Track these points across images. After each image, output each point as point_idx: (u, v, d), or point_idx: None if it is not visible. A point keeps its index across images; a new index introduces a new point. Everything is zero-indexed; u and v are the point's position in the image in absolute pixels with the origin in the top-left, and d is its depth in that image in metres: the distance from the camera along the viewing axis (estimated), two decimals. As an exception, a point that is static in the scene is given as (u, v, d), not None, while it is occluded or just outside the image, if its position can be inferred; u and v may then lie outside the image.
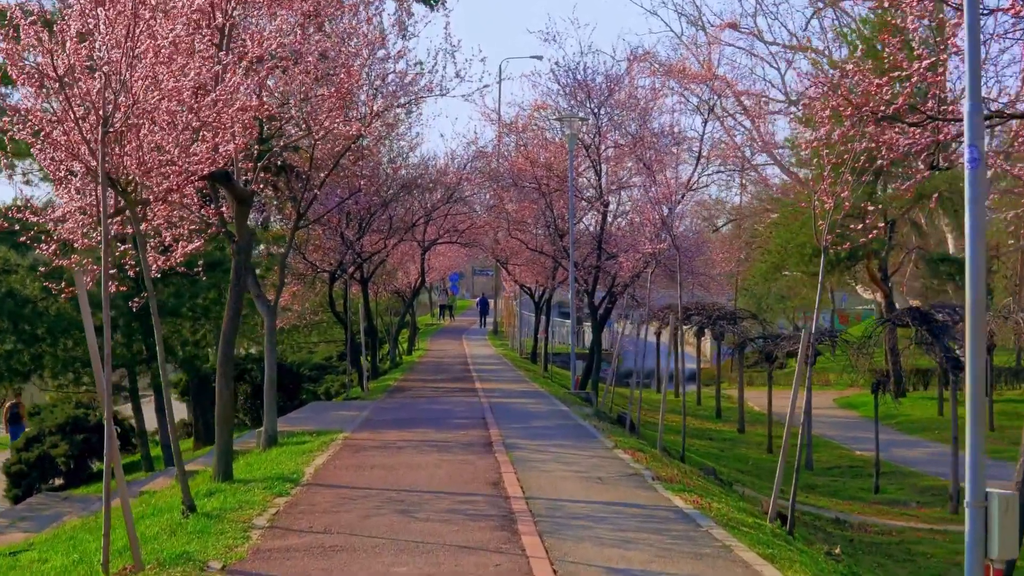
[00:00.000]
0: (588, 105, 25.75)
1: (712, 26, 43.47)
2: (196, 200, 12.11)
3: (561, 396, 22.54)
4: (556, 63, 42.45)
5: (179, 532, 8.51)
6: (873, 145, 9.45)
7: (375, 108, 14.15)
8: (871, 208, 12.43)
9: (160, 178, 10.15)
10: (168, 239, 11.23)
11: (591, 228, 27.77)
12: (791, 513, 10.44)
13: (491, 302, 56.41)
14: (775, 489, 10.12)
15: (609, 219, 26.80)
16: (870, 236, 10.64)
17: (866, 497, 19.81)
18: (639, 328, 22.63)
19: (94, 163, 7.85)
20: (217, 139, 10.41)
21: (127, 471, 29.17)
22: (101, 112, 7.55)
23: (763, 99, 44.67)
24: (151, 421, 26.56)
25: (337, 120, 11.08)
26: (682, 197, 23.81)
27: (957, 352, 20.42)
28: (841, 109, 9.36)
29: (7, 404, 29.25)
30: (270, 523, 8.74)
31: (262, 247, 23.65)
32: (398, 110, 26.69)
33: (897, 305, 36.88)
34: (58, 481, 27.04)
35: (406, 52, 15.09)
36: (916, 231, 40.84)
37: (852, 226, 11.21)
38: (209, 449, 26.89)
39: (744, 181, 47.16)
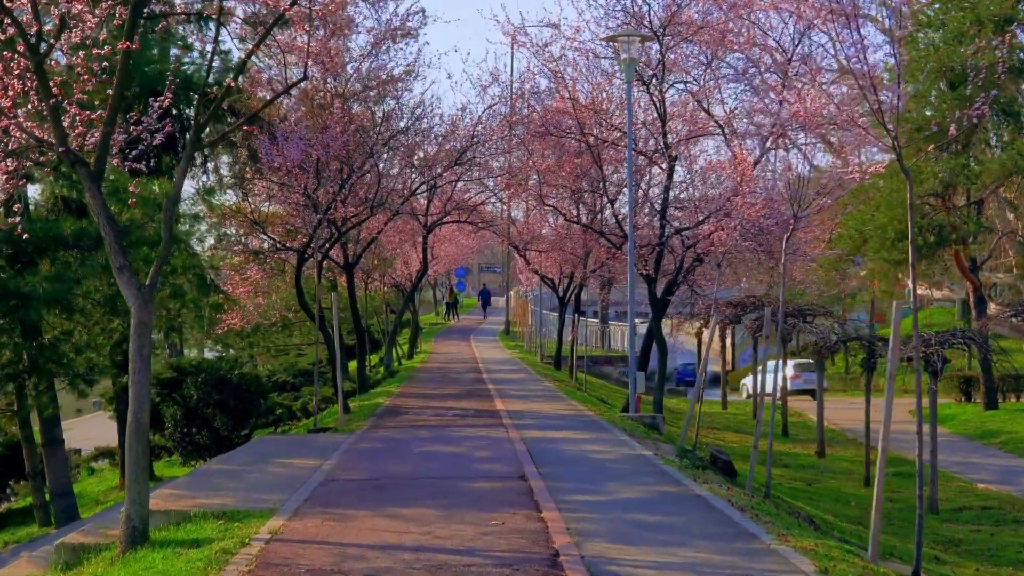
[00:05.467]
0: (649, 26, 18.68)
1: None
2: None
3: (620, 424, 15.77)
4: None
5: None
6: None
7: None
8: None
9: None
10: None
11: (651, 193, 20.56)
12: None
13: (498, 298, 52.61)
14: None
15: (676, 181, 19.65)
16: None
17: (1035, 559, 14.36)
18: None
19: None
20: None
21: (19, 518, 22.48)
22: None
23: (817, 68, 38.43)
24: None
25: None
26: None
27: None
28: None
29: None
30: None
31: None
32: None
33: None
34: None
35: None
36: (1011, 209, 34.32)
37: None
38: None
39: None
